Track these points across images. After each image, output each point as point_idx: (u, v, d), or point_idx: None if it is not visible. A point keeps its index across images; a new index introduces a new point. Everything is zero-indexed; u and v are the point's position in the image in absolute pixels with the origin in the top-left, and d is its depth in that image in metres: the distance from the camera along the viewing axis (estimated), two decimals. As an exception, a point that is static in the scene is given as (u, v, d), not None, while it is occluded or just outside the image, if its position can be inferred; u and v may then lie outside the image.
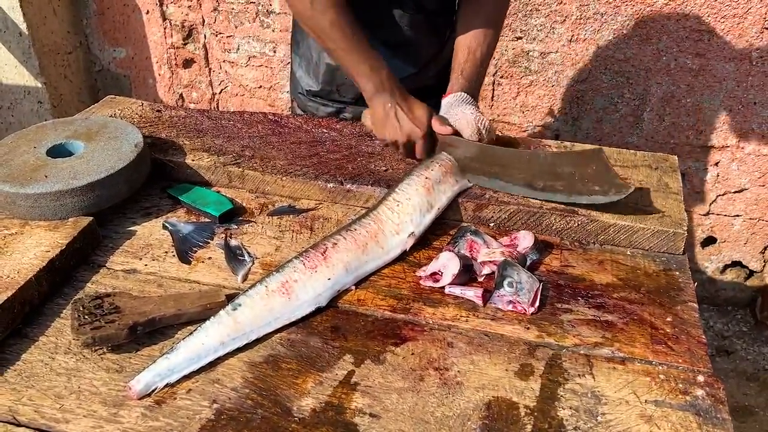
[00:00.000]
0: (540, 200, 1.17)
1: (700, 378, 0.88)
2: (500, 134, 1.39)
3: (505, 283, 1.00)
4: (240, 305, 0.94)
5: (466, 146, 1.25)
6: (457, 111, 1.30)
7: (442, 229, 1.19)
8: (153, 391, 0.85)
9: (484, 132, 1.28)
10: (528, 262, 1.07)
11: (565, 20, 2.25)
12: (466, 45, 1.38)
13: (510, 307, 0.99)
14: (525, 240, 1.10)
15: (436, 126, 1.27)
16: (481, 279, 1.06)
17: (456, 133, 1.28)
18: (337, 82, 1.55)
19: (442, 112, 1.33)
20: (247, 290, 0.98)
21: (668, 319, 0.98)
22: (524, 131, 2.49)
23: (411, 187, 1.16)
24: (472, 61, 1.37)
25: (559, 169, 1.20)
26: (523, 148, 1.36)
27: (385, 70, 1.30)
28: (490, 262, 1.05)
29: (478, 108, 1.33)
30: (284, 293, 0.97)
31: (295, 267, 1.01)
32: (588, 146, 1.29)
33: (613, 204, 1.13)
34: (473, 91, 1.37)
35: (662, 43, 2.20)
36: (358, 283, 1.05)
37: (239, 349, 0.92)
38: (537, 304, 0.98)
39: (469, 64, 1.37)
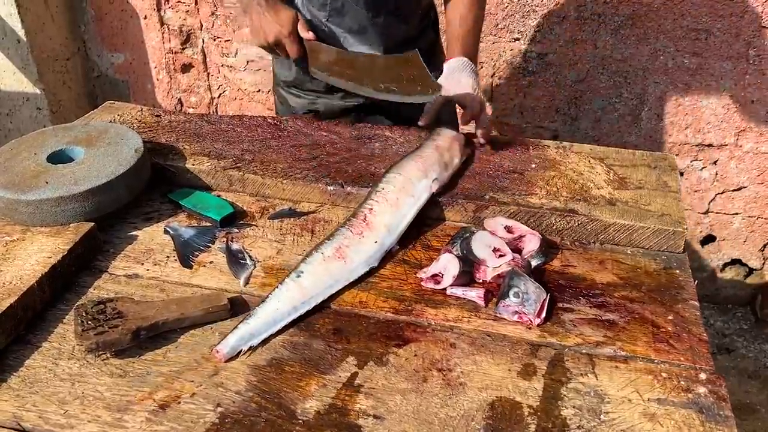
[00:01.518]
0: (380, 99, 1.40)
1: (702, 376, 0.88)
2: (498, 134, 1.41)
3: (511, 293, 0.98)
4: (302, 272, 1.02)
5: (327, 51, 1.43)
6: (459, 77, 1.41)
7: (442, 230, 1.19)
8: (239, 353, 0.91)
9: (482, 96, 1.40)
10: (534, 265, 1.07)
11: (562, 21, 2.25)
12: (458, 15, 1.48)
13: (515, 318, 0.97)
14: (531, 243, 1.09)
15: (302, 31, 1.41)
16: (480, 281, 1.06)
17: (317, 39, 1.44)
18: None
19: (444, 75, 1.44)
20: (304, 259, 1.05)
21: (669, 317, 0.99)
22: (523, 132, 2.49)
23: (427, 149, 1.27)
24: (466, 28, 1.47)
25: (391, 72, 1.37)
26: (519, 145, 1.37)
27: None
28: (497, 276, 1.04)
29: (476, 74, 1.45)
30: (339, 257, 1.05)
31: (344, 234, 1.09)
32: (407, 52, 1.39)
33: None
34: (472, 56, 1.47)
35: (659, 42, 2.21)
36: (359, 285, 1.05)
37: (242, 353, 0.92)
38: (543, 315, 0.97)
39: (464, 31, 1.47)
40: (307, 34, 1.42)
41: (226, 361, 0.90)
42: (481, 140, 1.37)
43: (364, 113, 1.59)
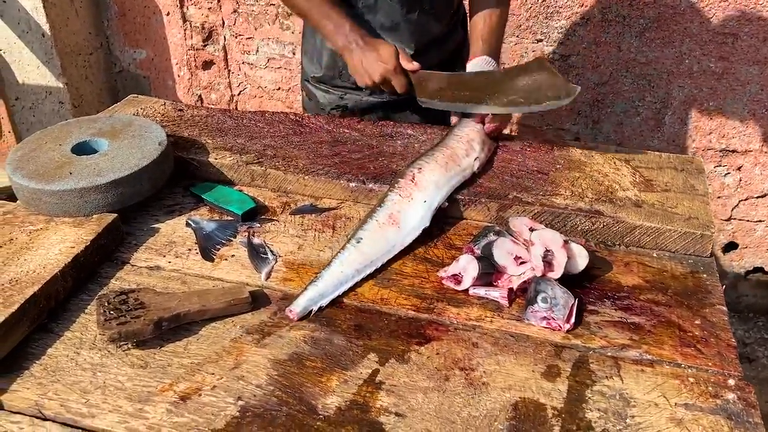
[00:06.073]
0: (507, 113, 1.37)
1: (731, 381, 0.86)
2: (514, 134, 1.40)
3: (539, 298, 0.96)
4: (361, 239, 1.08)
5: (437, 78, 1.40)
6: None
7: (464, 228, 1.18)
8: (309, 313, 0.97)
9: None
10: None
11: (586, 23, 2.23)
12: (482, 16, 1.47)
13: (544, 324, 0.95)
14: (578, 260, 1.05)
15: (405, 64, 1.39)
16: (499, 283, 1.04)
17: (422, 68, 1.41)
18: (339, 67, 1.57)
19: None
20: (361, 226, 1.10)
21: (696, 321, 0.97)
22: (543, 134, 2.47)
23: (467, 127, 1.33)
24: (490, 28, 1.47)
25: (515, 83, 1.33)
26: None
27: (348, 24, 1.41)
28: (523, 282, 1.02)
29: (501, 70, 1.46)
30: (393, 223, 1.11)
31: (394, 199, 1.14)
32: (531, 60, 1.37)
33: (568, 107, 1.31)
34: (494, 55, 1.47)
35: (685, 46, 2.18)
36: (380, 281, 1.04)
37: (263, 347, 0.91)
38: (573, 320, 0.95)
39: (487, 31, 1.46)
40: (411, 65, 1.39)
41: (298, 320, 0.96)
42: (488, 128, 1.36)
43: (391, 110, 1.58)
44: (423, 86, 1.41)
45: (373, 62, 1.38)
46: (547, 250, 1.02)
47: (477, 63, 1.44)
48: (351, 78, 1.55)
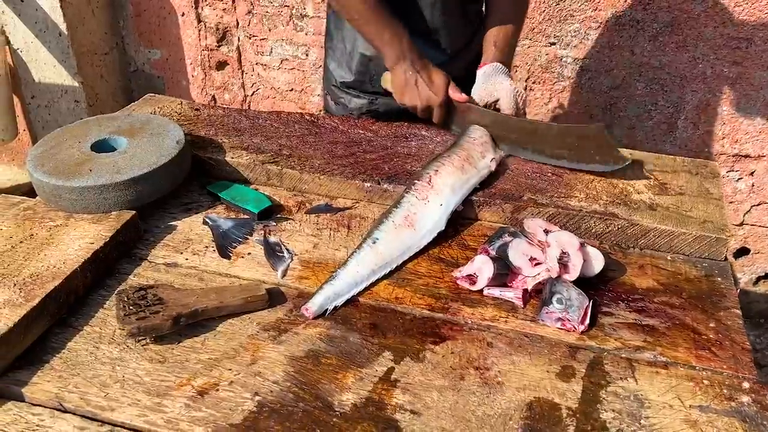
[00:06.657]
0: (546, 163, 1.31)
1: (746, 384, 0.86)
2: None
3: (554, 299, 0.97)
4: (377, 239, 1.08)
5: (481, 114, 1.37)
6: (495, 80, 1.40)
7: (478, 230, 1.19)
8: (325, 312, 0.98)
9: (520, 102, 1.38)
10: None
11: (600, 26, 2.23)
12: (497, 21, 1.47)
13: (559, 325, 0.96)
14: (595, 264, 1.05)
15: (454, 94, 1.38)
16: (513, 284, 1.05)
17: (471, 101, 1.39)
18: (370, 72, 1.57)
19: (478, 82, 1.43)
20: (377, 226, 1.11)
21: (711, 324, 0.97)
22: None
23: (481, 129, 1.32)
24: (504, 34, 1.46)
25: (564, 140, 1.29)
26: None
27: (406, 38, 1.37)
28: (538, 284, 1.02)
29: (512, 79, 1.44)
30: (409, 225, 1.11)
31: (410, 201, 1.14)
32: (591, 125, 1.34)
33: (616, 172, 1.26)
34: (507, 61, 1.46)
35: (699, 50, 2.18)
36: (395, 280, 1.05)
37: (280, 344, 0.92)
38: (587, 321, 0.95)
39: (501, 37, 1.46)
40: (460, 96, 1.37)
41: (314, 318, 0.97)
42: None
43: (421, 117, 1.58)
44: (463, 117, 1.38)
45: (423, 87, 1.36)
46: (564, 252, 1.02)
47: (488, 70, 1.43)
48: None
